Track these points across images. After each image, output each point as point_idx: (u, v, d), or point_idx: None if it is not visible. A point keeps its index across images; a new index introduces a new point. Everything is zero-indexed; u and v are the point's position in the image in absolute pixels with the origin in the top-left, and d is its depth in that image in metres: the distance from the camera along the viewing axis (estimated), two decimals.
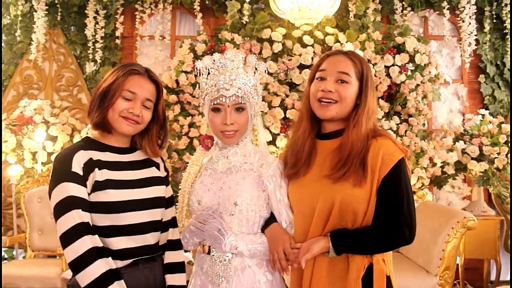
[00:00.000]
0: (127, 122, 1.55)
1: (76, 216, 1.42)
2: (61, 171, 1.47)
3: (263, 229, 1.67)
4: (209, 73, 1.68)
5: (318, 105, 1.64)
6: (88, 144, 1.56)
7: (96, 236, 1.45)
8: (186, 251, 1.80)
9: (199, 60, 1.73)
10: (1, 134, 3.94)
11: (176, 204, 1.79)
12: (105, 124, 1.56)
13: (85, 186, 1.47)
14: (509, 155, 3.87)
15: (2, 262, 4.28)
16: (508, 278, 4.04)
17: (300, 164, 1.64)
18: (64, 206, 1.43)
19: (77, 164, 1.47)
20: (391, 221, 1.53)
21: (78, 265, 1.40)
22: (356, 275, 1.53)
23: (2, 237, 3.91)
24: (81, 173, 1.47)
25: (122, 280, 1.45)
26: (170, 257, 1.67)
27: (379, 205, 1.54)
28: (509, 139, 3.89)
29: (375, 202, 1.54)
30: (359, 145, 1.56)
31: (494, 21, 4.52)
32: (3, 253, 4.46)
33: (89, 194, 1.48)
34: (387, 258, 1.59)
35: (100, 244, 1.44)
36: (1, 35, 4.45)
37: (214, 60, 1.68)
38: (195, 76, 3.85)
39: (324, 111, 1.63)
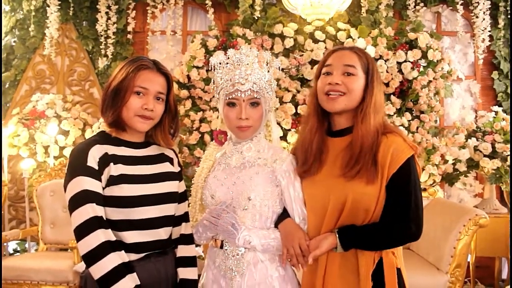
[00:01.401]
0: (142, 120, 1.57)
1: (90, 210, 1.44)
2: (77, 165, 1.49)
3: (276, 224, 1.67)
4: (224, 68, 1.68)
5: (326, 98, 1.64)
6: (104, 138, 1.58)
7: (110, 230, 1.46)
8: (197, 246, 1.81)
9: (210, 55, 1.73)
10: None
11: (189, 198, 1.80)
12: (119, 123, 1.57)
13: (100, 180, 1.49)
14: None
15: (15, 254, 4.34)
16: None
17: (310, 162, 1.65)
18: (78, 200, 1.45)
19: (93, 159, 1.48)
20: (398, 218, 1.54)
21: (91, 258, 1.42)
22: (365, 269, 1.54)
23: (15, 230, 3.96)
24: (96, 167, 1.48)
25: (135, 273, 1.47)
26: (183, 251, 1.69)
27: (387, 201, 1.55)
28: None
29: (384, 200, 1.55)
30: (370, 140, 1.56)
31: (509, 16, 4.45)
32: (16, 246, 4.52)
33: (103, 188, 1.49)
34: (396, 251, 1.60)
35: (113, 238, 1.46)
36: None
37: (228, 56, 1.68)
38: (207, 71, 3.85)
39: (332, 104, 1.63)
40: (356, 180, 1.54)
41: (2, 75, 4.47)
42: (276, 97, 3.82)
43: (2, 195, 3.91)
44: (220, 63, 1.69)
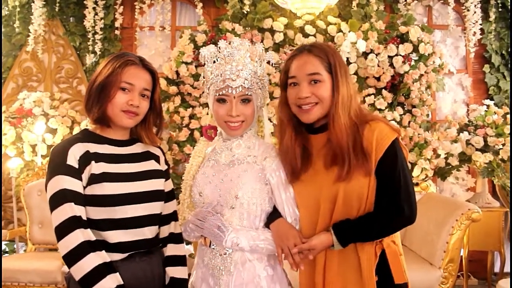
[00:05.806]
0: (127, 116, 1.54)
1: (69, 210, 1.42)
2: (57, 163, 1.46)
3: (268, 224, 1.63)
4: (214, 62, 1.63)
5: (299, 111, 1.61)
6: (86, 136, 1.55)
7: (89, 230, 1.44)
8: (187, 244, 1.77)
9: (201, 49, 1.67)
10: (0, 128, 3.89)
11: (179, 196, 1.76)
12: (105, 119, 1.54)
13: (80, 179, 1.46)
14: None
15: (3, 255, 4.27)
16: None
17: (298, 168, 1.62)
18: (57, 199, 1.43)
19: (73, 157, 1.46)
20: (390, 201, 1.52)
21: (71, 258, 1.40)
22: (368, 264, 1.52)
23: (3, 230, 3.89)
24: (76, 166, 1.45)
25: (117, 273, 1.44)
26: (172, 250, 1.65)
27: (378, 187, 1.53)
28: (510, 131, 3.83)
29: (375, 185, 1.53)
30: (345, 136, 1.53)
31: (500, 10, 4.44)
32: (4, 246, 4.45)
33: (85, 187, 1.46)
34: (396, 239, 1.59)
35: (93, 238, 1.43)
36: (1, 30, 4.39)
37: (220, 48, 1.62)
38: (196, 67, 3.81)
39: (307, 116, 1.60)
40: (354, 178, 1.51)
41: None
42: None
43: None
44: (211, 56, 1.63)
